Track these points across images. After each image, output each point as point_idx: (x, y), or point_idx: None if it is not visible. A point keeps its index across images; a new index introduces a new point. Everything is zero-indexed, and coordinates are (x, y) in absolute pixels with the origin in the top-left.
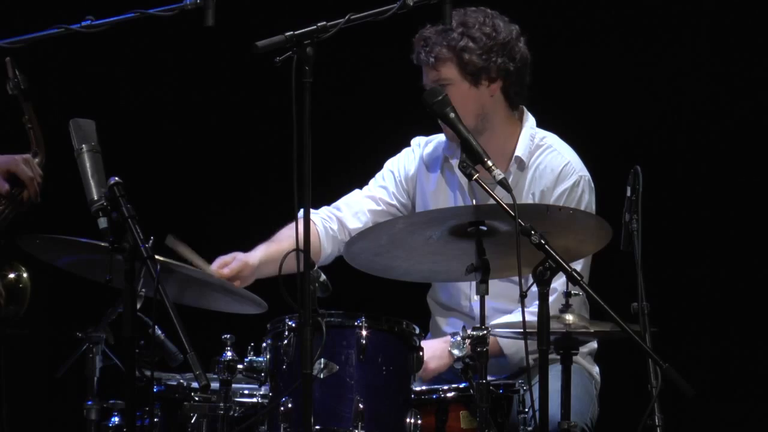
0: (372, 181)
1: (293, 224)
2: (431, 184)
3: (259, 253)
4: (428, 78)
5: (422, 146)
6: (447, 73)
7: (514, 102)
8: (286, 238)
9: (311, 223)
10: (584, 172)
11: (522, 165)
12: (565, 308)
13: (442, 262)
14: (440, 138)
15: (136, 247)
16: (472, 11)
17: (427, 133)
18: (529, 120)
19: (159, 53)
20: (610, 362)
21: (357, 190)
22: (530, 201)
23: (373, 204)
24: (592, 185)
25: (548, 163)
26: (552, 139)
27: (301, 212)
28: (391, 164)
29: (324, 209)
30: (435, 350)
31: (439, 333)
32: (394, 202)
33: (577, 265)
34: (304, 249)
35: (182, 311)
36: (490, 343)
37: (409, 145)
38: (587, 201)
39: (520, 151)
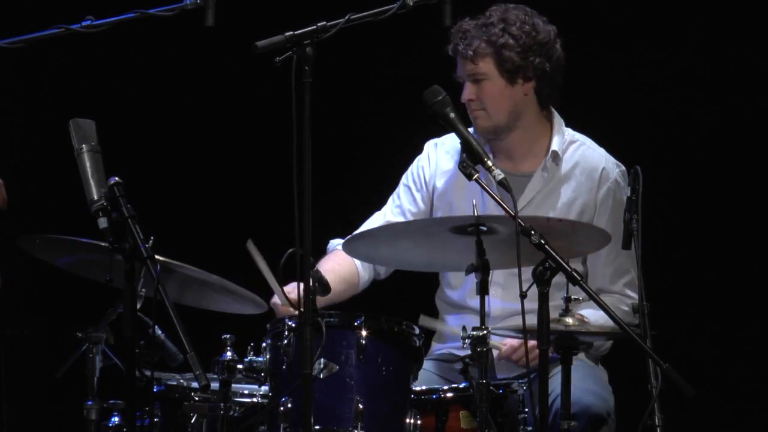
0: (390, 201)
1: (331, 255)
2: (448, 181)
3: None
4: (464, 70)
5: (437, 147)
6: (484, 68)
7: (545, 102)
8: (329, 271)
9: (346, 255)
10: (620, 166)
11: (557, 159)
12: (566, 312)
13: (442, 255)
14: (455, 136)
15: (136, 247)
16: (512, 8)
17: (428, 132)
18: (560, 120)
19: (159, 53)
20: (610, 362)
21: (377, 213)
22: (565, 196)
23: None
24: (627, 175)
25: (586, 160)
26: (581, 136)
27: (334, 243)
28: (405, 178)
29: None
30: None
31: (448, 335)
32: (411, 218)
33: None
34: (303, 249)
35: (182, 311)
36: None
37: (417, 149)
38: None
39: (555, 146)
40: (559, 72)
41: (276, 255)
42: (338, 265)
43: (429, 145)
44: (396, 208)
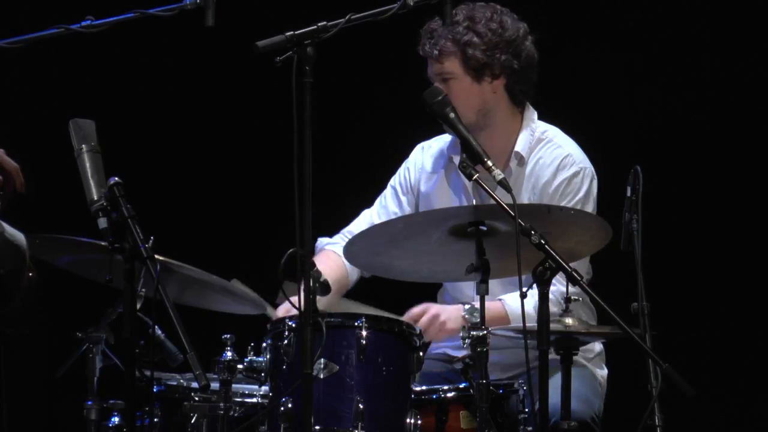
0: (377, 202)
1: (321, 256)
2: (433, 184)
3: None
4: (432, 70)
5: (424, 150)
6: (450, 66)
7: (518, 100)
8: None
9: (335, 254)
10: (585, 164)
11: (522, 161)
12: (565, 312)
13: (442, 262)
14: (445, 138)
15: (136, 247)
16: (480, 6)
17: (428, 132)
18: (531, 114)
19: (159, 53)
20: (610, 362)
21: (366, 212)
22: (529, 195)
23: None
24: (595, 176)
25: (548, 156)
26: (553, 132)
27: (323, 242)
28: (393, 180)
29: (340, 238)
30: (451, 312)
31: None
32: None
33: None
34: (303, 249)
35: (182, 311)
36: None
37: (410, 150)
38: (586, 190)
39: (519, 147)
40: (530, 68)
41: (276, 255)
42: (329, 268)
43: (417, 148)
44: (382, 209)
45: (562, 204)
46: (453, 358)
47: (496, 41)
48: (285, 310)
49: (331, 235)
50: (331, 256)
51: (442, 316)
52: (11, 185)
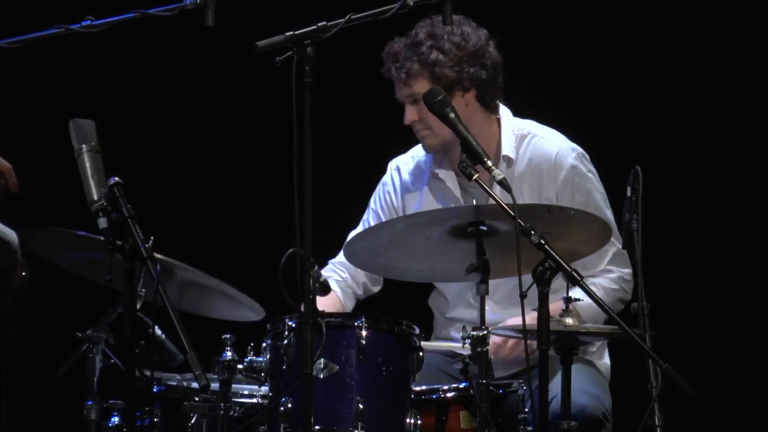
0: (361, 224)
1: None
2: (419, 203)
3: None
4: (401, 93)
5: (400, 169)
6: (419, 88)
7: (491, 106)
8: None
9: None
10: (576, 149)
11: (510, 162)
12: (565, 312)
13: (442, 262)
14: (418, 152)
15: (136, 247)
16: (438, 21)
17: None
18: (505, 114)
19: (159, 53)
20: (610, 362)
21: (351, 235)
22: (529, 195)
23: None
24: (586, 154)
25: (539, 153)
26: (532, 125)
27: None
28: (373, 203)
29: (331, 269)
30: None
31: (445, 334)
32: None
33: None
34: (303, 249)
35: (182, 311)
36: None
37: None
38: (591, 178)
39: (505, 150)
40: (497, 75)
41: (276, 255)
42: (324, 306)
43: (391, 168)
44: None
45: (577, 198)
46: (455, 355)
47: (461, 55)
48: None
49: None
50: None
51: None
52: (4, 185)
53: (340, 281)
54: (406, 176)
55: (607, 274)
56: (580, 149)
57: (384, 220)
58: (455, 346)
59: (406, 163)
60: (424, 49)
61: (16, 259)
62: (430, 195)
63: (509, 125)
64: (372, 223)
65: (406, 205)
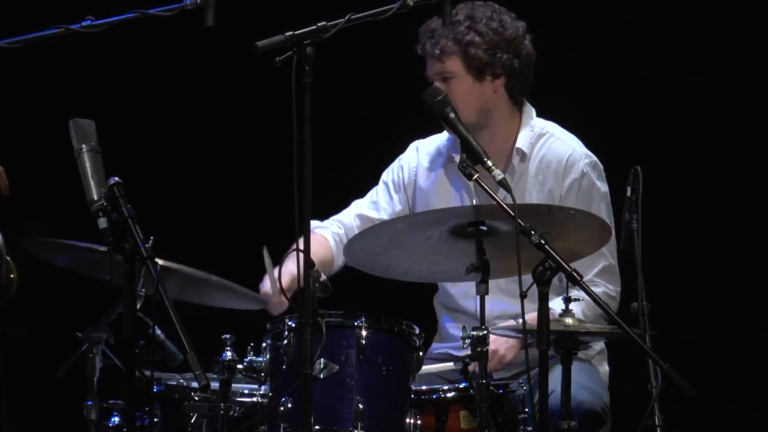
0: (368, 195)
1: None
2: (432, 182)
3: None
4: (432, 69)
5: (420, 149)
6: (452, 66)
7: (517, 98)
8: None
9: (323, 237)
10: (591, 157)
11: (524, 156)
12: (565, 312)
13: (442, 262)
14: (442, 137)
15: (136, 247)
16: (479, 5)
17: (427, 131)
18: (530, 111)
19: (159, 53)
20: (610, 362)
21: (356, 202)
22: (536, 192)
23: (368, 222)
24: (601, 166)
25: (552, 152)
26: (552, 127)
27: (312, 224)
28: (385, 175)
29: (329, 222)
30: (501, 344)
31: (447, 334)
32: (385, 217)
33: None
34: (304, 249)
35: (182, 310)
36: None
37: (405, 148)
38: (598, 187)
39: (521, 143)
40: (529, 67)
41: (276, 254)
42: (315, 248)
43: (412, 147)
44: (372, 204)
45: (578, 204)
46: (454, 358)
47: (497, 40)
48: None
49: (322, 219)
50: (318, 238)
51: (500, 351)
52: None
53: (335, 234)
54: (423, 156)
55: (592, 287)
56: (596, 159)
57: (391, 194)
58: (450, 366)
59: (426, 144)
60: (462, 29)
61: (1, 259)
62: (445, 177)
63: (530, 122)
64: (379, 195)
65: (419, 182)
